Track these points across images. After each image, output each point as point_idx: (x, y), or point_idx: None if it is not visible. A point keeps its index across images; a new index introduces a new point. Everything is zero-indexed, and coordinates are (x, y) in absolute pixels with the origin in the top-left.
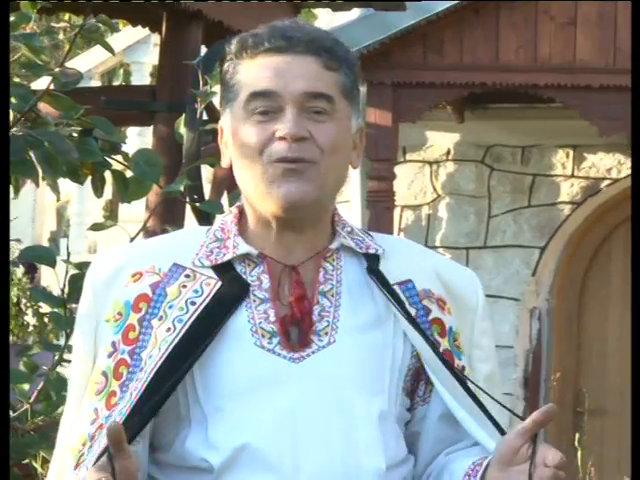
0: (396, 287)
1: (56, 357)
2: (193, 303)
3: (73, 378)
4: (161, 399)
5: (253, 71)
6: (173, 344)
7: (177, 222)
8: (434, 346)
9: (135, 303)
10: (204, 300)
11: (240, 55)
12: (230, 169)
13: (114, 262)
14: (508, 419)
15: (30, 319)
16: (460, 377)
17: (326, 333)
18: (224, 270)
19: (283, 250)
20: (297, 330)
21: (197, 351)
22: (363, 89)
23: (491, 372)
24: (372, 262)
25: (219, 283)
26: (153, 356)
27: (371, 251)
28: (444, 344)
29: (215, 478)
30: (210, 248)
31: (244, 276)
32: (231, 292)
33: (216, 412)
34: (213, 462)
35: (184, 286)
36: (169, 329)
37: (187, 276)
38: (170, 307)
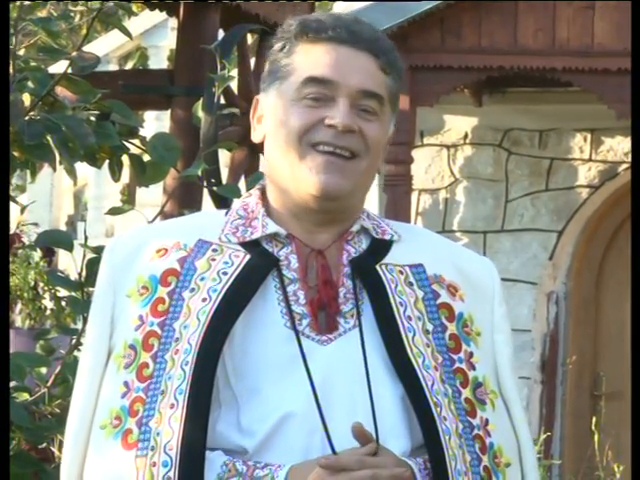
0: (407, 268)
1: (73, 341)
2: (225, 273)
3: (87, 355)
4: (213, 367)
5: (312, 56)
6: (211, 313)
7: (195, 206)
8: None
9: (163, 277)
10: (235, 269)
11: (300, 37)
12: (248, 153)
13: (135, 240)
14: (526, 400)
15: (47, 303)
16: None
17: (352, 315)
18: (252, 246)
19: (310, 232)
20: (324, 313)
21: (233, 318)
22: None
23: (512, 354)
24: (379, 248)
25: (248, 256)
26: (189, 326)
27: (386, 237)
28: (451, 328)
29: (249, 458)
30: (235, 225)
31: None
32: (261, 263)
33: (249, 394)
34: (247, 447)
35: (213, 259)
36: (205, 299)
37: (214, 250)
38: (202, 279)
